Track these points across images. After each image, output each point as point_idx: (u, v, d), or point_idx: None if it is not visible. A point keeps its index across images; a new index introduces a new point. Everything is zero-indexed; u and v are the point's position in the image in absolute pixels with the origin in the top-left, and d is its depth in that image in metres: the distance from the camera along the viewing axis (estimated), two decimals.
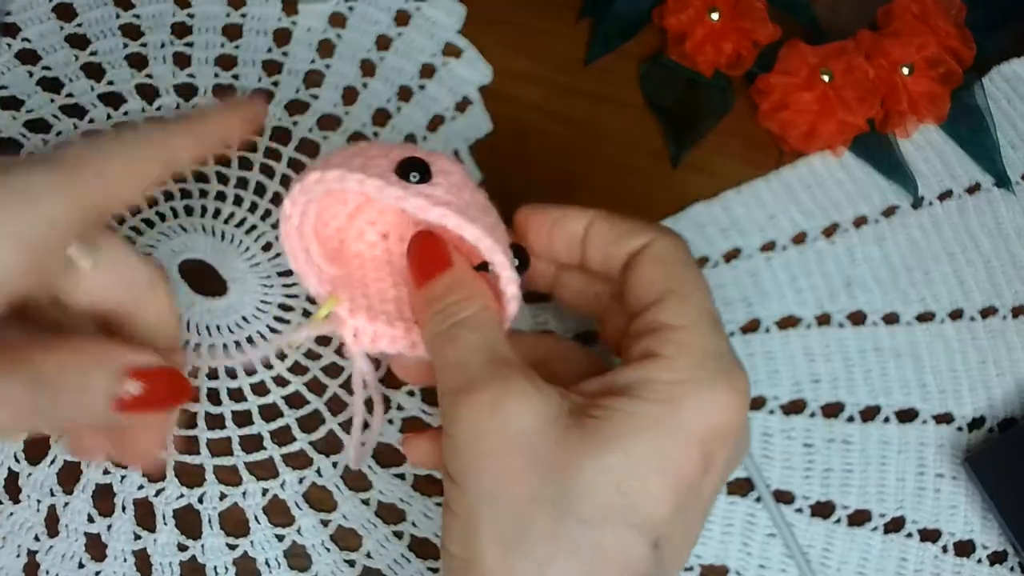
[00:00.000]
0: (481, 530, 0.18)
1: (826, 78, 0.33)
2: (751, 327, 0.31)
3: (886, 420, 0.30)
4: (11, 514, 0.25)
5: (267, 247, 0.30)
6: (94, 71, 0.32)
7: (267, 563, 0.26)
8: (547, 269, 0.24)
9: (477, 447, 0.18)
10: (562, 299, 0.25)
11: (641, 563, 0.18)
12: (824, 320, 0.31)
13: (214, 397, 0.27)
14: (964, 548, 0.29)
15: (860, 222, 0.33)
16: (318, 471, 0.27)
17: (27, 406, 0.18)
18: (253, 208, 0.30)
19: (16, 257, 0.18)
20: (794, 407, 0.30)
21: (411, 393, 0.28)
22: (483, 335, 0.20)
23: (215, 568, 0.26)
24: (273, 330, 0.29)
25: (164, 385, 0.21)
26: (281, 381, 0.28)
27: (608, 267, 0.22)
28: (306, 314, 0.29)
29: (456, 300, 0.21)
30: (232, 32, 0.33)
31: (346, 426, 0.28)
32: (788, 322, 0.31)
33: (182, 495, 0.26)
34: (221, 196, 0.30)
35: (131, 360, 0.20)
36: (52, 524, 0.25)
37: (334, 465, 0.27)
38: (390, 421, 0.28)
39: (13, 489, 0.26)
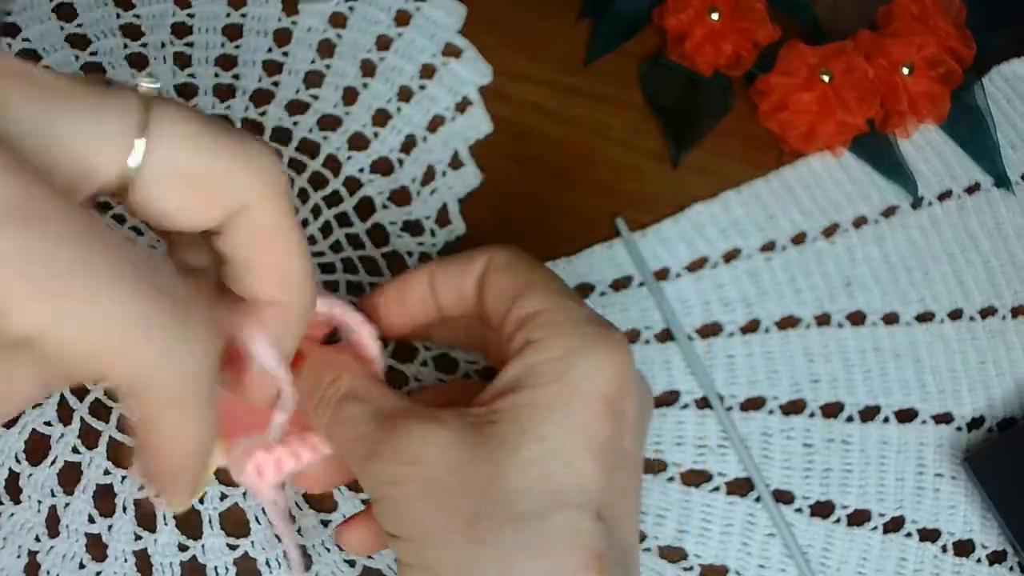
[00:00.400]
0: (439, 572, 0.18)
1: (826, 78, 0.33)
2: (751, 327, 0.31)
3: (885, 420, 0.30)
4: (12, 515, 0.25)
5: None
6: (95, 71, 0.32)
7: (267, 563, 0.26)
8: (412, 332, 0.24)
9: (401, 498, 0.18)
10: (443, 344, 0.25)
11: (591, 537, 0.18)
12: (824, 320, 0.31)
13: None
14: (963, 548, 0.29)
15: (860, 222, 0.33)
16: None
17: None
18: None
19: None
20: (794, 407, 0.30)
21: (410, 394, 0.28)
22: (364, 403, 0.20)
23: (216, 568, 0.26)
24: None
25: None
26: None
27: (466, 304, 0.22)
28: None
29: (327, 383, 0.21)
30: (232, 32, 0.33)
31: None
32: (788, 322, 0.31)
33: None
34: None
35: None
36: (53, 525, 0.26)
37: None
38: None
39: (14, 490, 0.26)
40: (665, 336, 0.31)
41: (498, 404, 0.19)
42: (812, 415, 0.30)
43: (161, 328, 0.14)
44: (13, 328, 0.12)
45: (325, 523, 0.27)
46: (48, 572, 0.25)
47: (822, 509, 0.29)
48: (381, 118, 0.33)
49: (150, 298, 0.13)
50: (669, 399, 0.30)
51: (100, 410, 0.27)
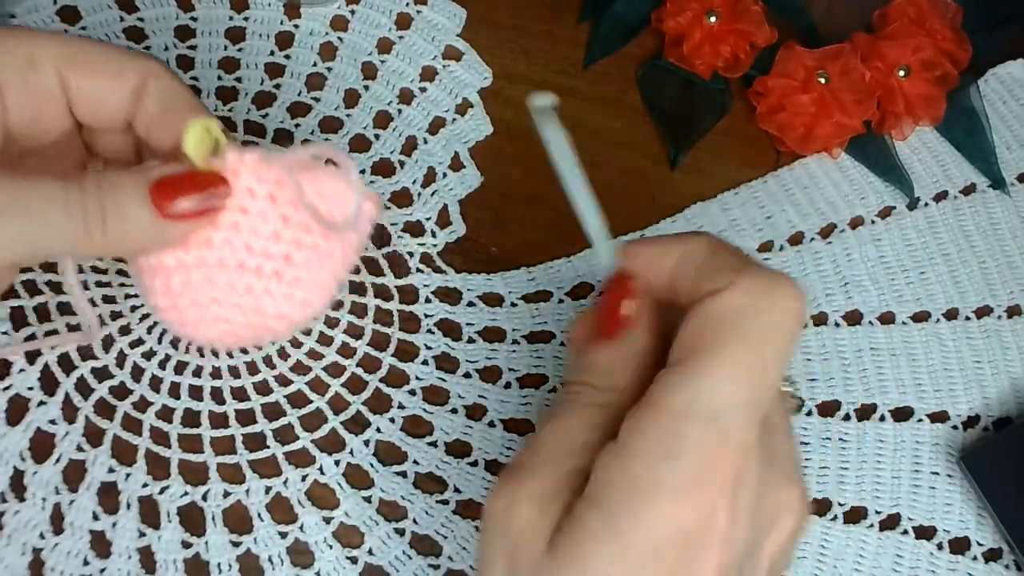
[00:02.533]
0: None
1: (823, 80, 0.33)
2: None
3: (882, 419, 0.31)
4: (17, 512, 0.26)
5: None
6: None
7: (270, 560, 0.26)
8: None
9: (485, 535, 0.18)
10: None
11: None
12: (821, 320, 0.32)
13: (218, 396, 0.28)
14: (959, 545, 0.29)
15: (856, 223, 0.34)
16: (320, 469, 0.27)
17: (62, 206, 0.18)
18: None
19: None
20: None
21: (412, 392, 0.29)
22: (583, 433, 0.18)
23: (219, 565, 0.26)
24: None
25: (193, 183, 0.19)
26: (284, 380, 0.28)
27: (682, 296, 0.19)
28: None
29: (596, 384, 0.19)
30: (235, 35, 0.33)
31: (348, 425, 0.28)
32: None
33: (186, 493, 0.26)
34: None
35: (155, 172, 0.19)
36: (57, 522, 0.26)
37: (336, 463, 0.27)
38: (392, 420, 0.28)
39: (19, 487, 0.26)
40: None
41: (575, 507, 0.17)
42: (809, 413, 0.30)
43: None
44: None
45: (327, 520, 0.27)
46: (53, 569, 0.25)
47: (819, 507, 0.29)
48: (382, 120, 0.33)
49: None
50: None
51: (104, 409, 0.27)
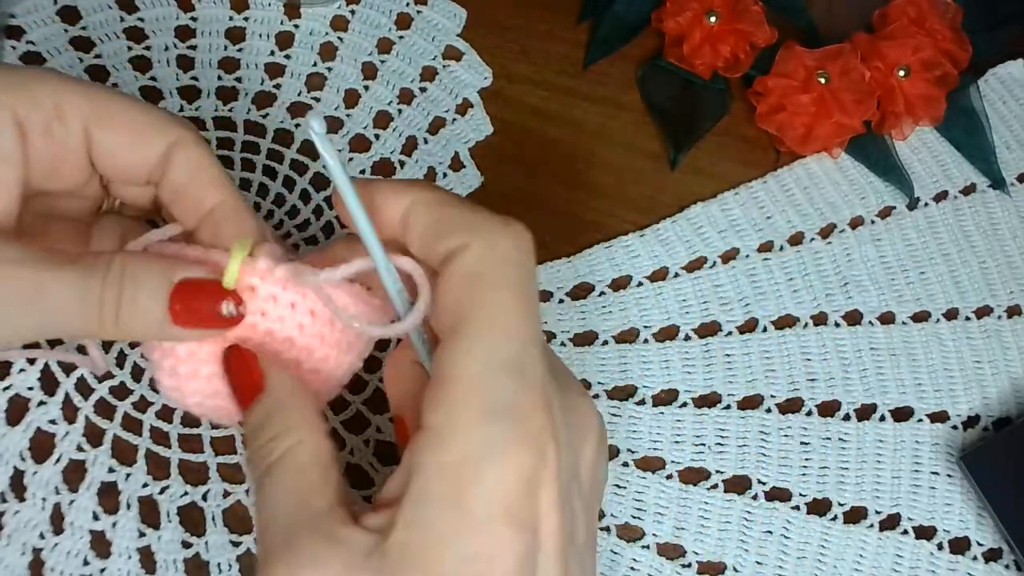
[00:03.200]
0: None
1: (823, 80, 0.33)
2: (749, 327, 0.31)
3: (882, 419, 0.31)
4: (17, 512, 0.26)
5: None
6: (99, 74, 0.32)
7: None
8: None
9: None
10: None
11: None
12: (820, 320, 0.32)
13: None
14: (959, 545, 0.29)
15: (856, 223, 0.34)
16: None
17: (79, 295, 0.17)
18: (256, 208, 0.31)
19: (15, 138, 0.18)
20: (791, 406, 0.30)
21: (392, 419, 0.29)
22: (290, 483, 0.17)
23: (218, 565, 0.26)
24: None
25: (213, 295, 0.19)
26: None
27: (430, 264, 0.18)
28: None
29: (269, 438, 0.18)
30: (235, 35, 0.33)
31: (348, 425, 0.28)
32: (785, 321, 0.32)
33: (186, 493, 0.26)
34: None
35: (181, 272, 0.18)
36: (57, 522, 0.26)
37: None
38: (391, 420, 0.28)
39: (19, 487, 0.26)
40: (663, 335, 0.31)
41: (401, 512, 0.16)
42: (809, 414, 0.30)
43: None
44: None
45: None
46: (52, 569, 0.25)
47: (819, 507, 0.29)
48: (382, 120, 0.33)
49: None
50: (667, 398, 0.30)
51: (105, 409, 0.27)
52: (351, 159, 0.32)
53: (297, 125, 0.32)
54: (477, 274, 0.17)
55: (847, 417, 0.30)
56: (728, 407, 0.30)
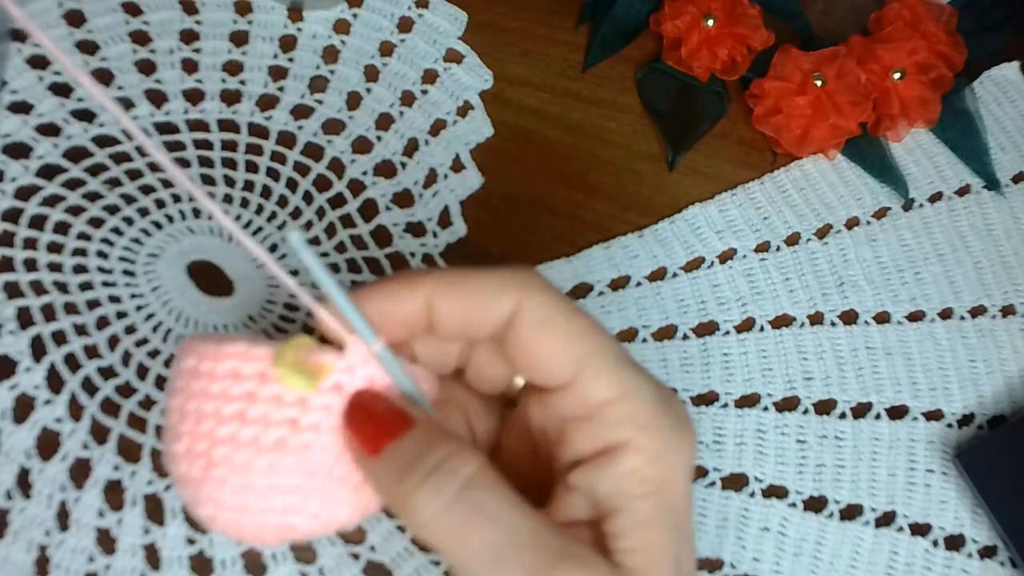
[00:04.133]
0: None
1: (819, 83, 0.33)
2: (746, 326, 0.32)
3: (877, 417, 0.31)
4: (23, 510, 0.26)
5: (273, 248, 0.30)
6: (104, 76, 0.32)
7: (274, 556, 0.26)
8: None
9: None
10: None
11: None
12: (817, 319, 0.32)
13: None
14: (954, 542, 0.30)
15: (852, 223, 0.34)
16: None
17: None
18: (259, 211, 0.31)
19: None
20: (787, 404, 0.31)
21: None
22: (504, 495, 0.15)
23: (223, 561, 0.26)
24: (279, 329, 0.29)
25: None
26: None
27: (476, 335, 0.18)
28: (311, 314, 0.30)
29: (449, 452, 0.16)
30: (239, 38, 0.34)
31: None
32: (782, 321, 0.32)
33: None
34: (228, 199, 0.31)
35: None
36: (63, 519, 0.26)
37: None
38: None
39: (25, 485, 0.26)
40: (661, 335, 0.31)
41: (615, 524, 0.16)
42: (806, 412, 0.31)
43: None
44: None
45: None
46: (58, 566, 0.26)
47: (815, 504, 0.29)
48: (384, 122, 0.33)
49: None
50: None
51: (110, 407, 0.27)
52: (354, 160, 0.32)
53: (300, 127, 0.33)
54: (552, 320, 0.17)
55: (843, 415, 0.31)
56: (725, 405, 0.30)
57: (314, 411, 0.16)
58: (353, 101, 0.33)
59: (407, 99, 0.34)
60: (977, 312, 0.33)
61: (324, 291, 0.16)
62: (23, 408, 0.27)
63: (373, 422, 0.16)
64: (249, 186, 0.31)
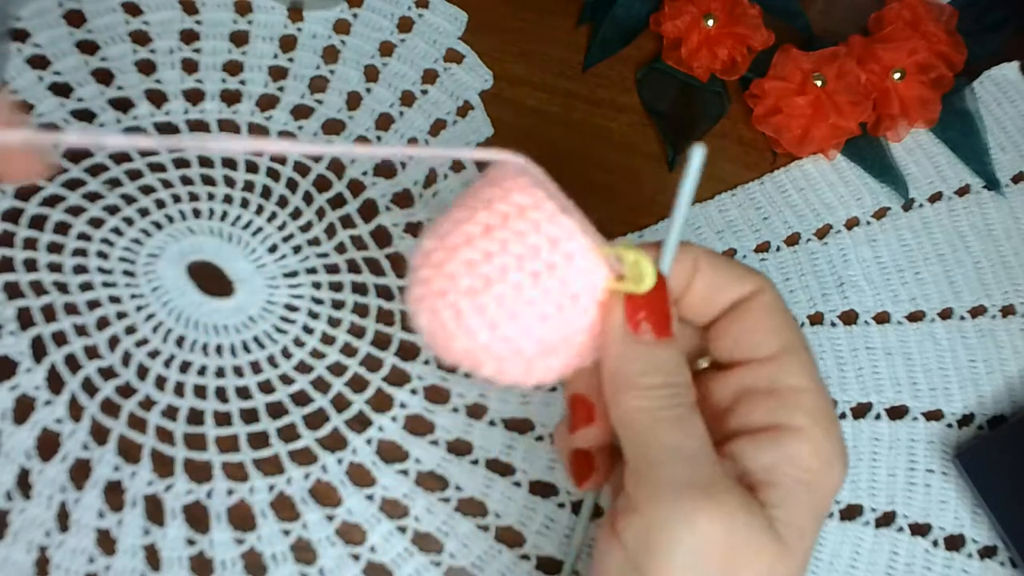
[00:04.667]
0: None
1: (819, 83, 0.33)
2: None
3: (877, 417, 0.31)
4: (23, 510, 0.26)
5: (273, 248, 0.30)
6: (103, 76, 0.32)
7: (274, 557, 0.26)
8: None
9: (704, 560, 0.17)
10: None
11: None
12: (817, 319, 0.32)
13: (222, 395, 0.28)
14: (954, 542, 0.30)
15: (852, 223, 0.34)
16: (323, 467, 0.28)
17: None
18: (259, 211, 0.31)
19: None
20: None
21: (414, 391, 0.29)
22: (704, 431, 0.18)
23: (223, 562, 0.26)
24: (279, 330, 0.29)
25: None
26: (287, 379, 0.29)
27: (702, 313, 0.20)
28: (312, 315, 0.30)
29: (686, 381, 0.18)
30: (239, 38, 0.34)
31: (351, 423, 0.28)
32: None
33: (191, 491, 0.27)
34: (228, 199, 0.31)
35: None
36: (63, 520, 0.26)
37: (339, 462, 0.28)
38: (393, 419, 0.29)
39: (25, 486, 0.26)
40: None
41: (774, 495, 0.18)
42: None
43: None
44: None
45: (330, 518, 0.27)
46: (58, 567, 0.26)
47: None
48: (384, 122, 0.33)
49: None
50: None
51: (110, 408, 0.27)
52: (353, 161, 0.32)
53: (300, 127, 0.33)
54: (779, 310, 0.19)
55: (843, 415, 0.31)
56: None
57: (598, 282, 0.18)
58: (353, 101, 0.33)
59: (407, 99, 0.34)
60: (977, 312, 0.33)
61: (675, 214, 0.20)
62: (23, 409, 0.27)
63: (663, 315, 0.19)
64: (249, 186, 0.31)
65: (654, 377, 0.18)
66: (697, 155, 0.19)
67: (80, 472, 0.27)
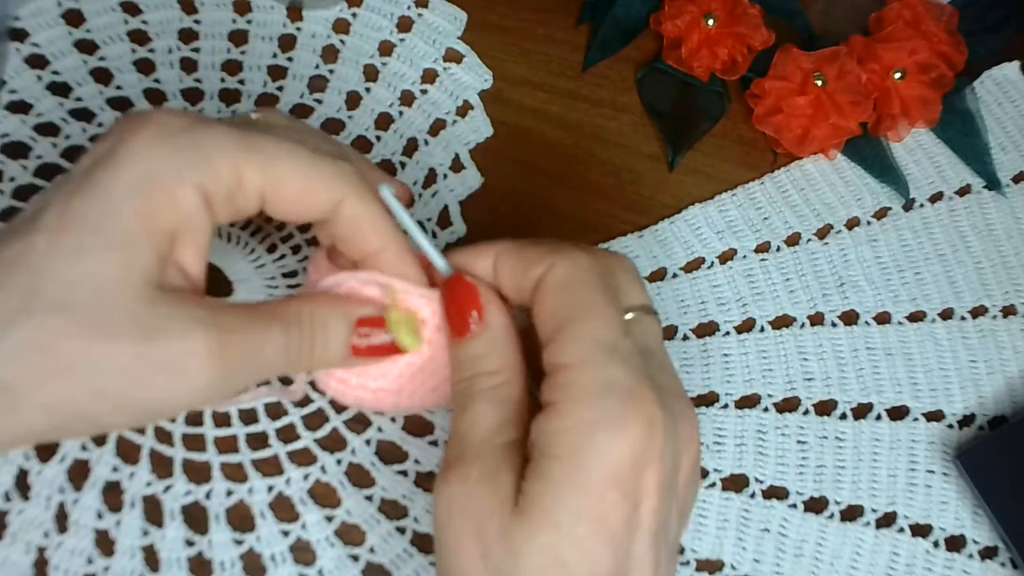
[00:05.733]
0: None
1: (819, 83, 0.33)
2: (746, 326, 0.32)
3: (878, 417, 0.31)
4: (21, 511, 0.26)
5: (272, 249, 0.30)
6: (102, 76, 0.32)
7: (272, 558, 0.26)
8: None
9: (447, 526, 0.19)
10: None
11: None
12: (817, 320, 0.32)
13: None
14: (955, 543, 0.30)
15: (852, 223, 0.34)
16: (322, 468, 0.28)
17: (284, 348, 0.21)
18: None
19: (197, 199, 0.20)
20: (788, 405, 0.31)
21: (393, 419, 0.29)
22: (488, 410, 0.20)
23: (222, 563, 0.26)
24: None
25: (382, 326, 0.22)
26: (286, 380, 0.29)
27: (521, 301, 0.21)
28: None
29: (488, 370, 0.21)
30: (238, 38, 0.34)
31: (350, 424, 0.28)
32: (782, 321, 0.32)
33: (189, 491, 0.27)
34: None
35: (357, 312, 0.22)
36: (62, 520, 0.26)
37: (338, 462, 0.28)
38: (393, 419, 0.29)
39: (23, 487, 0.26)
40: (663, 335, 0.31)
41: (528, 468, 0.19)
42: (806, 412, 0.31)
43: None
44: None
45: (329, 519, 0.27)
46: (57, 567, 0.26)
47: (816, 505, 0.29)
48: (383, 122, 0.33)
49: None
50: None
51: None
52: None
53: None
54: (568, 282, 0.20)
55: (844, 416, 0.31)
56: (726, 406, 0.30)
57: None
58: (352, 101, 0.33)
59: (406, 99, 0.34)
60: (978, 312, 0.33)
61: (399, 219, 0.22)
62: None
63: (459, 313, 0.21)
64: None
65: (458, 372, 0.21)
66: (386, 193, 0.22)
67: (79, 473, 0.26)
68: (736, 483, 0.29)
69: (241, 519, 0.27)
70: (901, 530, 0.29)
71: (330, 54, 0.34)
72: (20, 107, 0.31)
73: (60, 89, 0.32)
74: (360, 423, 0.28)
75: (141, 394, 0.19)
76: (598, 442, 0.18)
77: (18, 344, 0.18)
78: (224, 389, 0.20)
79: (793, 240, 0.33)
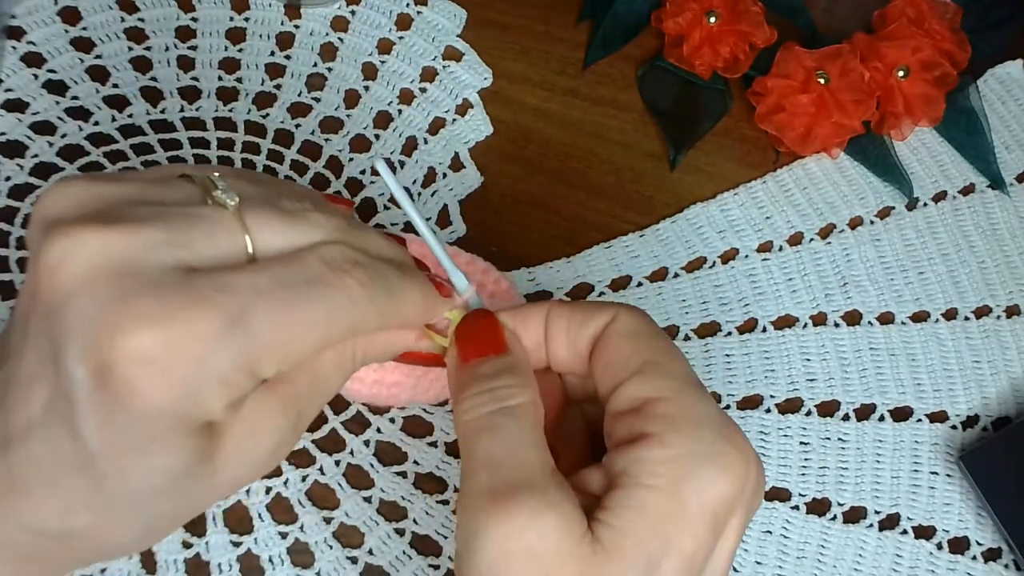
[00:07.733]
0: None
1: (822, 81, 0.33)
2: (748, 327, 0.31)
3: (881, 418, 0.31)
4: None
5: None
6: (99, 74, 0.32)
7: (270, 560, 0.26)
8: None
9: (502, 569, 0.17)
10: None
11: None
12: (820, 320, 0.32)
13: None
14: (958, 545, 0.29)
15: (855, 223, 0.34)
16: (321, 469, 0.27)
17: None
18: None
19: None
20: (790, 406, 0.30)
21: (392, 420, 0.29)
22: (528, 432, 0.18)
23: (219, 565, 0.26)
24: None
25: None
26: None
27: (576, 358, 0.20)
28: None
29: (508, 384, 0.19)
30: (235, 36, 0.33)
31: (348, 425, 0.28)
32: (785, 321, 0.32)
33: None
34: None
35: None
36: None
37: (336, 464, 0.27)
38: (392, 420, 0.28)
39: None
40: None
41: (608, 500, 0.18)
42: (809, 414, 0.30)
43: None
44: None
45: (327, 521, 0.27)
46: None
47: (818, 506, 0.29)
48: (382, 120, 0.33)
49: None
50: None
51: None
52: (352, 159, 0.32)
53: (298, 125, 0.32)
54: (638, 331, 0.20)
55: (846, 417, 0.30)
56: (728, 407, 0.30)
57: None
58: (351, 99, 0.33)
59: (406, 97, 0.33)
60: (982, 312, 0.33)
61: (416, 226, 0.21)
62: None
63: (476, 340, 0.20)
64: None
65: (472, 388, 0.19)
66: (381, 166, 0.20)
67: None
68: None
69: (239, 521, 0.26)
70: (904, 532, 0.29)
71: (328, 52, 0.34)
72: (16, 105, 0.31)
73: (56, 87, 0.31)
74: (359, 424, 0.28)
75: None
76: (703, 475, 0.17)
77: None
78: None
79: (796, 240, 0.33)
